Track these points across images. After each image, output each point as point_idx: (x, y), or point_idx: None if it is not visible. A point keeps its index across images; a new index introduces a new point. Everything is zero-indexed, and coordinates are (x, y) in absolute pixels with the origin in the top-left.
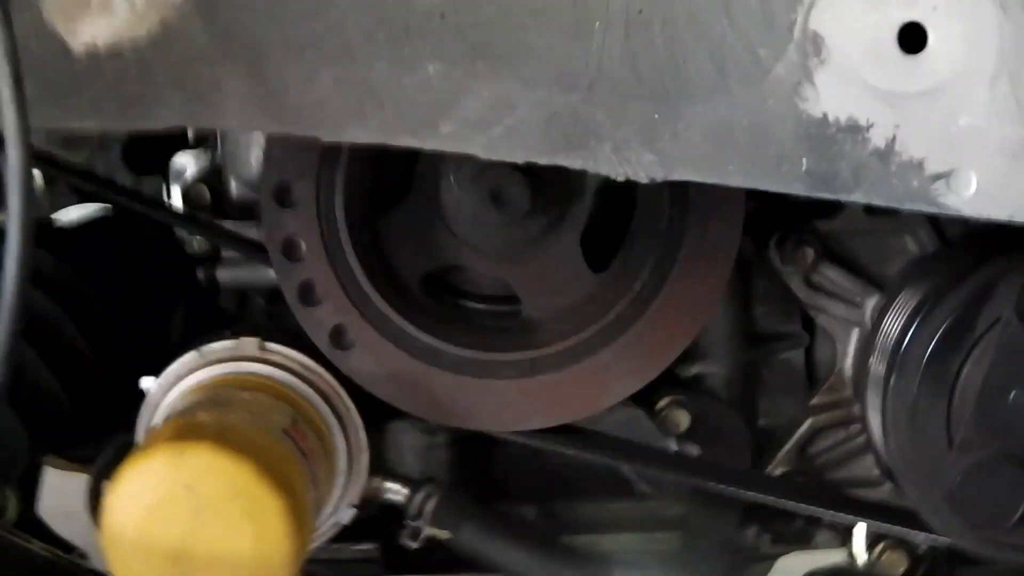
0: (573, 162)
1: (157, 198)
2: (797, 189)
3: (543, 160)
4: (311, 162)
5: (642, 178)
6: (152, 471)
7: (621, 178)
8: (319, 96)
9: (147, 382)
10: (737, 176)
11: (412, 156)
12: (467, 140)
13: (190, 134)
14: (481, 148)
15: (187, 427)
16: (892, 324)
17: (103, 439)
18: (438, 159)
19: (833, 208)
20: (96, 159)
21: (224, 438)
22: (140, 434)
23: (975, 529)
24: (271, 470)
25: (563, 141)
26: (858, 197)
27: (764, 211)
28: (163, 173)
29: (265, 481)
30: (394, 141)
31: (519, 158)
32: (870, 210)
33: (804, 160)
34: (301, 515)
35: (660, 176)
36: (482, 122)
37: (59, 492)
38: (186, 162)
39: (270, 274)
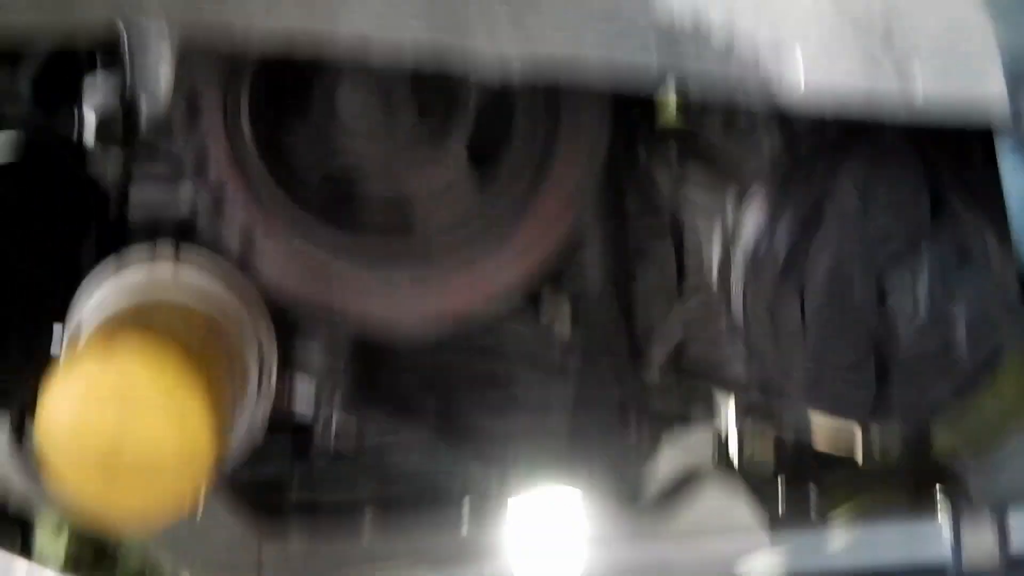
0: (454, 45)
1: (69, 124)
2: (650, 80)
3: (428, 44)
4: (218, 74)
5: (513, 59)
6: (80, 374)
7: (494, 60)
8: None
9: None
10: (596, 57)
11: (311, 68)
12: (362, 29)
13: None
14: (374, 35)
15: (111, 332)
16: (747, 223)
17: (19, 378)
18: (336, 71)
19: (696, 119)
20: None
21: (147, 340)
22: (63, 347)
23: (832, 415)
24: (192, 369)
25: (443, 26)
26: (704, 91)
27: (634, 126)
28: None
29: (187, 380)
30: (299, 31)
31: (407, 41)
32: (729, 124)
33: (654, 54)
34: (221, 413)
35: (528, 54)
36: (374, 13)
37: None
38: (97, 88)
39: (182, 196)
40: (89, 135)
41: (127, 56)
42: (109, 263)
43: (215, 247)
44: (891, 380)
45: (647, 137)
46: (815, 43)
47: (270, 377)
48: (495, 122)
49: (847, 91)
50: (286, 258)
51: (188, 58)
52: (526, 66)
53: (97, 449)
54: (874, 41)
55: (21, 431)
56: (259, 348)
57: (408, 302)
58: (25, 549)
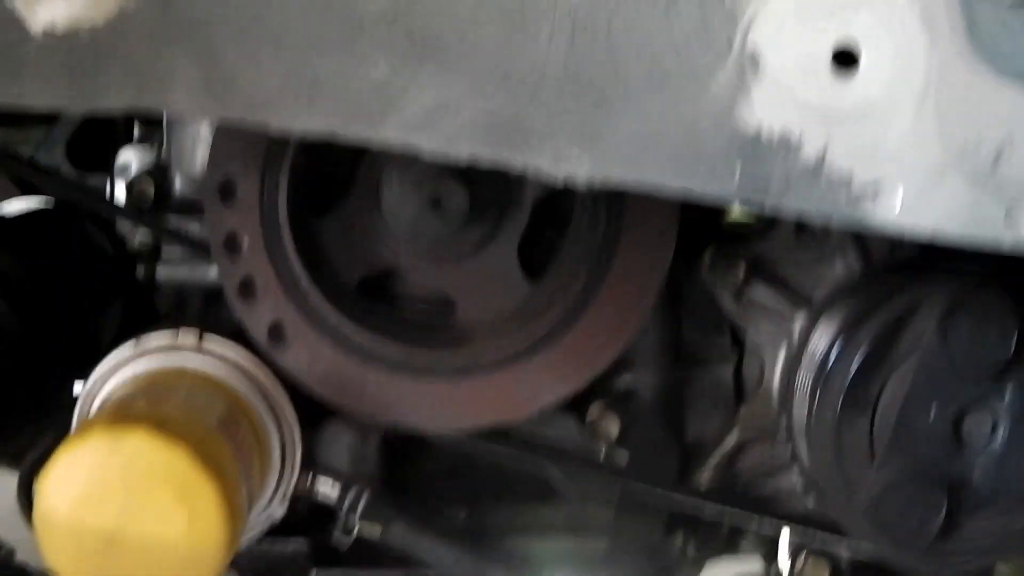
0: (514, 162)
1: (100, 192)
2: (729, 197)
3: (485, 157)
4: (256, 159)
5: (580, 180)
6: (86, 456)
7: (560, 179)
8: (268, 86)
9: (80, 386)
10: (670, 181)
11: (355, 158)
12: (412, 137)
13: (135, 131)
14: (425, 146)
15: (122, 414)
16: (818, 342)
17: (32, 436)
18: (380, 162)
19: (763, 228)
20: (40, 153)
21: (159, 425)
22: (75, 423)
23: (894, 545)
24: (205, 457)
25: (505, 141)
26: (788, 209)
27: (696, 228)
28: (107, 169)
29: (199, 468)
30: (341, 133)
31: (462, 154)
32: (800, 230)
33: (737, 171)
34: (234, 504)
35: (598, 177)
36: (426, 124)
37: None
38: (131, 158)
39: (209, 273)
40: (119, 205)
41: (163, 131)
42: (132, 337)
43: (240, 332)
44: (961, 516)
45: (710, 243)
46: (914, 173)
47: (293, 473)
48: (551, 219)
49: (945, 222)
50: (314, 360)
51: (225, 140)
52: (594, 185)
53: (97, 537)
54: (980, 171)
55: (30, 491)
56: (281, 431)
57: (445, 410)
58: None
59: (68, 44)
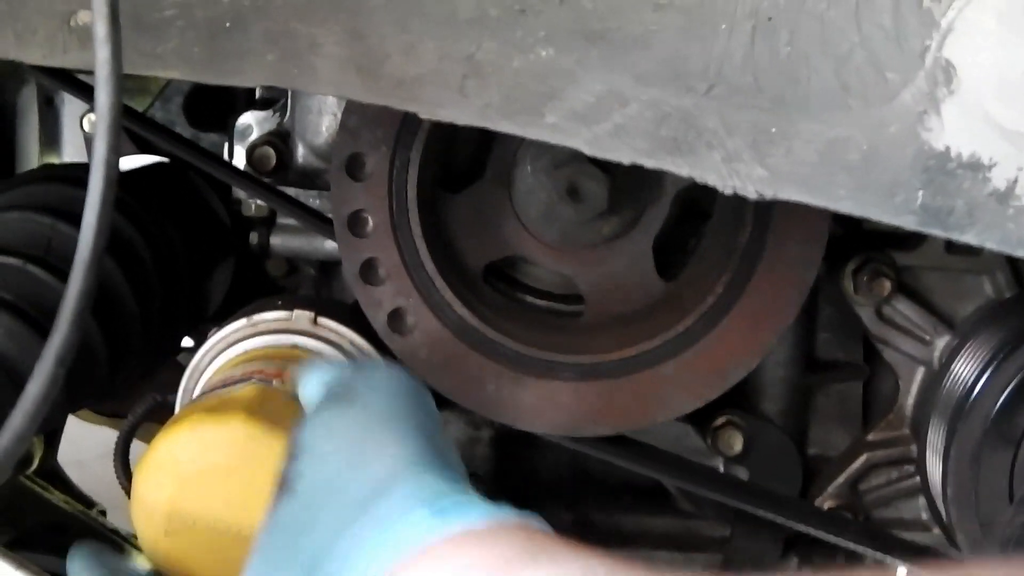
0: (680, 168)
1: (219, 154)
2: (908, 223)
3: (649, 162)
4: (387, 136)
5: (751, 193)
6: (187, 444)
7: (729, 191)
8: (420, 69)
9: (188, 342)
10: (847, 202)
11: (487, 140)
12: (572, 133)
13: (258, 93)
14: (586, 143)
15: (224, 399)
16: (963, 368)
17: (133, 394)
18: (515, 146)
19: (912, 241)
20: (156, 110)
21: (265, 413)
22: (180, 401)
23: None
24: None
25: (672, 144)
26: (971, 238)
27: (840, 237)
28: (223, 130)
29: None
30: (494, 125)
31: (625, 158)
32: (950, 248)
33: (920, 193)
34: None
35: (769, 193)
36: (590, 115)
37: (79, 443)
38: (252, 122)
39: (325, 246)
40: (238, 169)
41: (289, 96)
42: (241, 303)
43: (353, 308)
44: None
45: (853, 249)
46: None
47: None
48: (690, 216)
49: None
50: (434, 349)
51: (357, 113)
52: (764, 199)
53: (198, 527)
54: None
55: (126, 455)
56: None
57: (566, 415)
58: None
59: (206, 12)
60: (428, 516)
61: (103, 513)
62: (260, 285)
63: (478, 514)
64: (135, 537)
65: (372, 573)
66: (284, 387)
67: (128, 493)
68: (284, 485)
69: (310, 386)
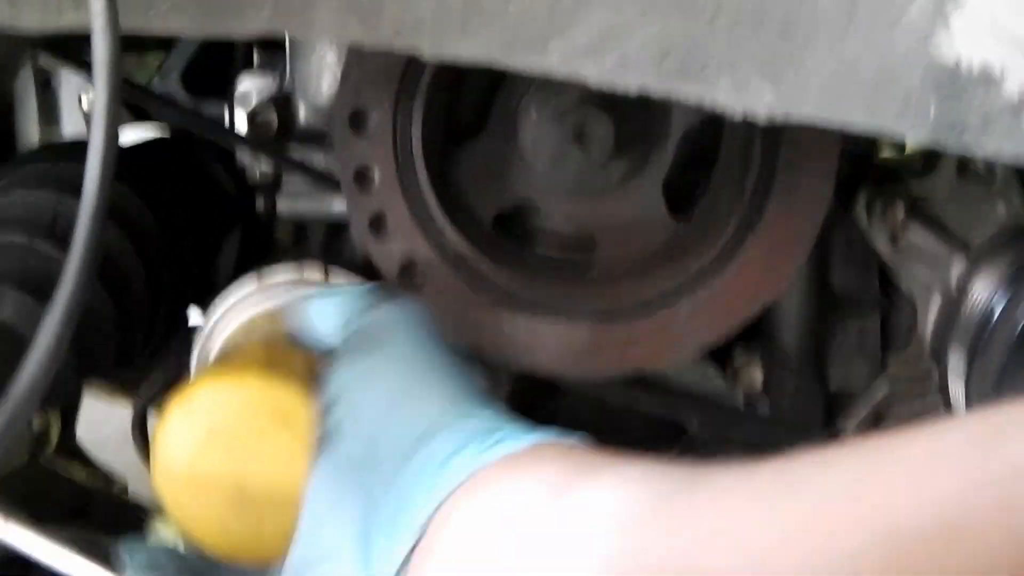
0: (688, 94)
1: (221, 121)
2: (920, 137)
3: (656, 90)
4: (389, 90)
5: (761, 116)
6: (204, 404)
7: (739, 115)
8: (422, 5)
9: (196, 315)
10: (860, 119)
11: (491, 89)
12: (577, 65)
13: (256, 58)
14: (592, 74)
15: (241, 358)
16: (981, 292)
17: (146, 366)
18: (520, 91)
19: (924, 170)
20: (155, 87)
21: (281, 370)
22: (193, 361)
23: None
24: None
25: (679, 72)
26: (986, 152)
27: (851, 174)
28: (222, 97)
29: None
30: (499, 60)
31: (631, 86)
32: (963, 174)
33: (931, 108)
34: None
35: (780, 115)
36: (595, 47)
37: (96, 420)
38: (251, 88)
39: (332, 206)
40: (238, 135)
41: (287, 57)
42: (251, 274)
43: (363, 268)
44: None
45: (865, 181)
46: None
47: None
48: (698, 155)
49: None
50: (447, 300)
51: (357, 68)
52: (776, 121)
53: (219, 487)
54: None
55: (144, 427)
56: None
57: (585, 356)
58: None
59: None
60: (482, 446)
61: (125, 489)
62: (269, 252)
63: (530, 439)
64: (160, 510)
65: (431, 508)
66: (281, 330)
67: (148, 464)
68: (325, 437)
69: (324, 324)
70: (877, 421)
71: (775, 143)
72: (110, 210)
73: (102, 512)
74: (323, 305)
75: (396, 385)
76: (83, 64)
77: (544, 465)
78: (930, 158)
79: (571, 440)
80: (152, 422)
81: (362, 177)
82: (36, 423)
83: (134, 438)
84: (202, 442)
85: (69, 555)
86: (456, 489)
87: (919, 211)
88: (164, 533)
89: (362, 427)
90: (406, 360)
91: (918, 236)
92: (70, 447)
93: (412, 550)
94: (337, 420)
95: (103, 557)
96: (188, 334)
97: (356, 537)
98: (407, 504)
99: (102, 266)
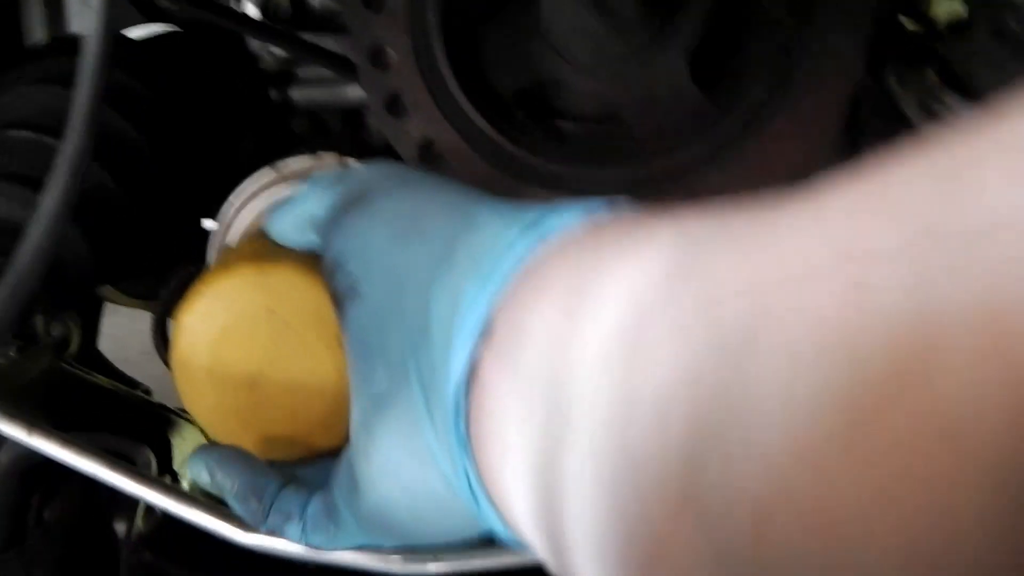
0: None
1: (231, 9)
2: None
3: None
4: None
5: None
6: (230, 291)
7: None
8: None
9: (210, 224)
10: None
11: None
12: None
13: None
14: None
15: (268, 247)
16: None
17: (164, 272)
18: None
19: (957, 32)
20: None
21: (307, 260)
22: (212, 254)
23: None
24: None
25: None
26: None
27: (882, 41)
28: None
29: None
30: None
31: None
32: (997, 36)
33: None
34: None
35: None
36: None
37: (119, 335)
38: None
39: (348, 93)
40: (252, 20)
41: None
42: (267, 165)
43: (385, 155)
44: None
45: (896, 48)
46: None
47: None
48: (725, 26)
49: None
50: (468, 177)
51: None
52: None
53: (239, 377)
54: None
55: (164, 330)
56: None
57: None
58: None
59: None
60: (520, 235)
61: (148, 392)
62: (285, 145)
63: (572, 216)
64: (183, 411)
65: (480, 317)
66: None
67: (168, 366)
68: (343, 296)
69: (310, 206)
70: None
71: (805, 8)
72: (116, 97)
73: (126, 418)
74: (306, 198)
75: (399, 222)
76: None
77: (609, 235)
78: (962, 24)
79: (618, 204)
80: (171, 325)
81: (378, 56)
82: (57, 329)
83: (154, 341)
84: (224, 329)
85: (95, 461)
86: (511, 283)
87: (952, 76)
88: (190, 436)
89: (376, 272)
90: (403, 198)
91: (949, 101)
92: (90, 355)
93: (475, 348)
94: (349, 278)
95: (129, 462)
96: (206, 239)
97: (407, 371)
98: (451, 316)
99: (106, 149)
